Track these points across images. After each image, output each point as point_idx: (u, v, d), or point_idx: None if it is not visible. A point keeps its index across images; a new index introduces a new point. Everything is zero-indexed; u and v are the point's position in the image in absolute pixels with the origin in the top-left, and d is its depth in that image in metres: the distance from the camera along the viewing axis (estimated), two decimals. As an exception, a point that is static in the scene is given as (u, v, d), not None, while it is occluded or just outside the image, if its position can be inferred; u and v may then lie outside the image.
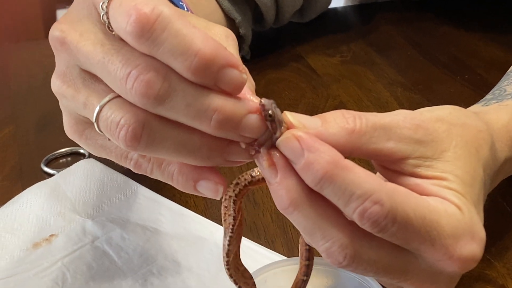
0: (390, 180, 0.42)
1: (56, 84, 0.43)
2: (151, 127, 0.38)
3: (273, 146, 0.39)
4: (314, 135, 0.38)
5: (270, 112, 0.38)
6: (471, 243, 0.39)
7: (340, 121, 0.40)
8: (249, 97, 0.39)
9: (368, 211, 0.36)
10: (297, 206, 0.38)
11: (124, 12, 0.36)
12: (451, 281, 0.42)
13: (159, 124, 0.38)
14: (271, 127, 0.38)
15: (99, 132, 0.40)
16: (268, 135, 0.38)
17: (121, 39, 0.38)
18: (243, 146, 0.39)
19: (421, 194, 0.40)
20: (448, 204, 0.39)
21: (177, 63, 0.36)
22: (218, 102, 0.37)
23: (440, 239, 0.38)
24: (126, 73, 0.37)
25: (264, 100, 0.38)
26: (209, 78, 0.36)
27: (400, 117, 0.41)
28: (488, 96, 0.56)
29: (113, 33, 0.39)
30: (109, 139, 0.41)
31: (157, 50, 0.36)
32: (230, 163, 0.40)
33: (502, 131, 0.49)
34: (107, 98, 0.39)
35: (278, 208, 0.39)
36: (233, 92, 0.37)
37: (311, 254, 0.44)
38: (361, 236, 0.38)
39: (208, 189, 0.41)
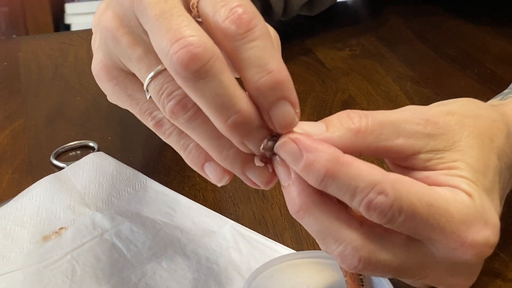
0: None
1: (113, 25, 0.41)
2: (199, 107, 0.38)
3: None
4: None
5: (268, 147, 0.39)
6: (484, 229, 0.39)
7: (345, 122, 0.40)
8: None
9: (374, 202, 0.37)
10: (307, 209, 0.38)
11: (224, 6, 0.37)
12: (471, 273, 0.41)
13: None
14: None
15: (146, 90, 0.40)
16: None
17: (187, 7, 0.38)
18: (258, 163, 0.39)
19: (431, 185, 0.40)
20: (458, 192, 0.39)
21: (249, 73, 0.37)
22: (245, 106, 0.37)
23: (450, 226, 0.38)
24: (177, 38, 0.36)
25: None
26: (267, 100, 0.37)
27: (408, 113, 0.41)
28: (505, 91, 0.56)
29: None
30: (148, 98, 0.41)
31: (239, 54, 0.37)
32: (245, 178, 0.40)
33: None
34: (162, 66, 0.39)
35: (291, 213, 0.39)
36: (279, 126, 0.37)
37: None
38: (374, 237, 0.38)
39: (214, 173, 0.41)
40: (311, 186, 0.38)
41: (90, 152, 0.68)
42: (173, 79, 0.38)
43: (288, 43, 0.94)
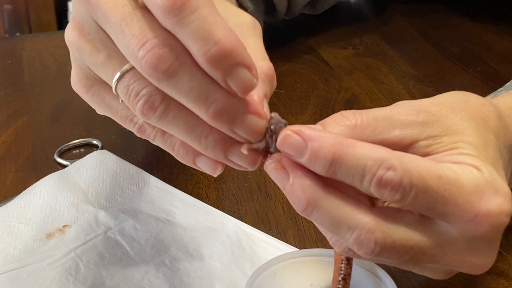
0: None
1: (73, 36, 0.42)
2: (168, 102, 0.39)
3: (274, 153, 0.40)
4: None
5: (272, 127, 0.39)
6: (496, 197, 0.39)
7: (341, 121, 0.41)
8: (258, 103, 0.40)
9: (384, 178, 0.37)
10: (316, 203, 0.38)
11: None
12: (489, 248, 0.41)
13: (176, 102, 0.39)
14: (269, 140, 0.39)
15: (115, 93, 0.41)
16: (265, 145, 0.39)
17: (145, 7, 0.38)
18: (244, 151, 0.39)
19: None
20: (465, 166, 0.39)
21: (195, 47, 0.36)
22: (220, 94, 0.37)
23: (463, 197, 0.38)
24: (142, 42, 0.37)
25: (274, 115, 0.39)
26: (221, 71, 0.36)
27: (399, 106, 0.42)
28: (499, 89, 0.57)
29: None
30: (121, 101, 0.42)
31: (180, 29, 0.36)
32: (231, 163, 0.41)
33: (509, 112, 0.48)
34: (128, 66, 0.40)
35: (298, 212, 0.39)
36: (240, 92, 0.37)
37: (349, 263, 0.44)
38: (386, 217, 0.39)
39: (207, 165, 0.42)
40: (313, 180, 0.38)
41: (93, 150, 0.68)
42: (138, 79, 0.39)
43: (291, 42, 0.94)
